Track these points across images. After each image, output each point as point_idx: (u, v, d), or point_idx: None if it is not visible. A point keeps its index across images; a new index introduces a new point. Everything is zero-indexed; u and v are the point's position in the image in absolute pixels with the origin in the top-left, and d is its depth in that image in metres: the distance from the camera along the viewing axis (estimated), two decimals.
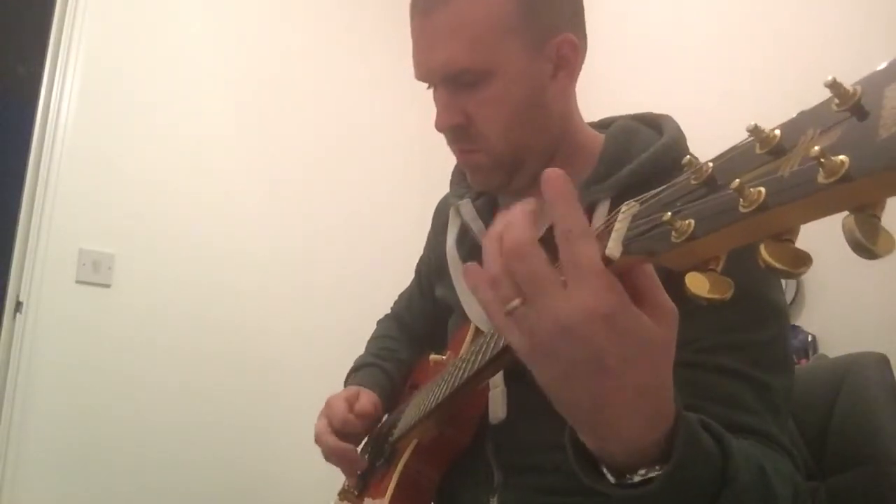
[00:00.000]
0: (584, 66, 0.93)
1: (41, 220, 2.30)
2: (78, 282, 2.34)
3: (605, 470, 0.54)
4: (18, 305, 2.26)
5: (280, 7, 2.93)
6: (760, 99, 1.96)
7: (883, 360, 1.05)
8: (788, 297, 1.92)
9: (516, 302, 0.49)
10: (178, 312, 2.49)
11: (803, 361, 1.79)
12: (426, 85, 0.92)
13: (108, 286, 2.38)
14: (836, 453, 1.02)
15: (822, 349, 1.84)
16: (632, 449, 0.51)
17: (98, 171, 2.42)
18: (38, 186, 2.33)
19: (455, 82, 0.87)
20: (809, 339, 1.85)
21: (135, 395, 2.37)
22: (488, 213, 1.00)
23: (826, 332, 1.85)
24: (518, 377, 0.85)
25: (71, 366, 2.29)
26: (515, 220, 0.51)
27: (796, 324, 1.91)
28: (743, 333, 0.75)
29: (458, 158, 0.95)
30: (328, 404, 1.07)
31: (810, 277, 1.93)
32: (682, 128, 0.90)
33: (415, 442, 0.95)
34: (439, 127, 0.90)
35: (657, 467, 0.51)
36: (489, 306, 0.53)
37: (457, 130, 0.89)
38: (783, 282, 1.89)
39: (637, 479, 0.52)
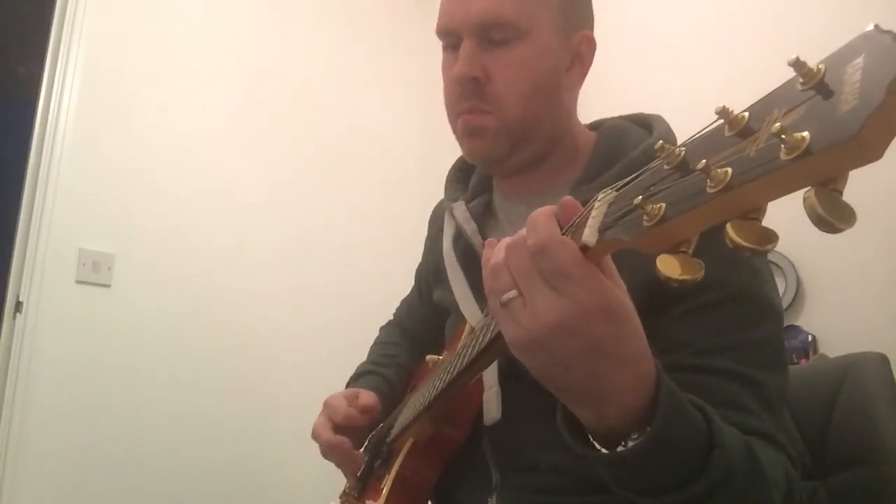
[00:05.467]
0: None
1: (41, 220, 2.30)
2: (78, 282, 2.34)
3: (595, 442, 0.57)
4: (18, 305, 2.26)
5: (280, 8, 2.93)
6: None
7: (883, 360, 1.04)
8: (789, 298, 1.92)
9: (512, 293, 0.52)
10: (177, 312, 2.49)
11: (803, 361, 1.79)
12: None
13: (108, 286, 2.39)
14: (836, 453, 1.01)
15: (822, 349, 1.84)
16: (626, 409, 0.54)
17: (98, 171, 2.42)
18: (38, 186, 2.33)
19: (485, 36, 0.86)
20: (809, 339, 1.85)
21: (135, 394, 2.37)
22: (482, 215, 0.99)
23: (826, 332, 1.85)
24: (512, 377, 0.85)
25: (71, 366, 2.29)
26: (532, 219, 0.53)
27: (796, 324, 1.91)
28: (737, 334, 0.75)
29: (462, 123, 0.90)
30: (327, 403, 1.06)
31: (810, 277, 1.93)
32: (681, 128, 0.90)
33: (411, 441, 0.95)
34: (459, 74, 0.87)
35: (647, 429, 0.54)
36: (489, 294, 0.55)
37: (474, 85, 0.87)
38: (784, 282, 1.91)
39: (631, 443, 0.54)
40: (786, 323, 1.77)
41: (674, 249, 0.42)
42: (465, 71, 0.86)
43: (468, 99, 0.88)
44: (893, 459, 0.95)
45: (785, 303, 1.87)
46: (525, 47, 0.86)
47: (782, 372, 0.77)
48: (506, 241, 0.54)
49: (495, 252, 0.54)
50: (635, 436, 0.54)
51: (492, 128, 0.88)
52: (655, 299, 0.72)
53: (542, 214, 0.52)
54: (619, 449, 0.55)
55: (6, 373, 2.22)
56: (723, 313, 0.75)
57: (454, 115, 0.91)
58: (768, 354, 0.76)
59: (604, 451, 0.56)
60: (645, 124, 0.92)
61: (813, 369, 1.25)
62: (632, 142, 0.88)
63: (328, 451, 1.04)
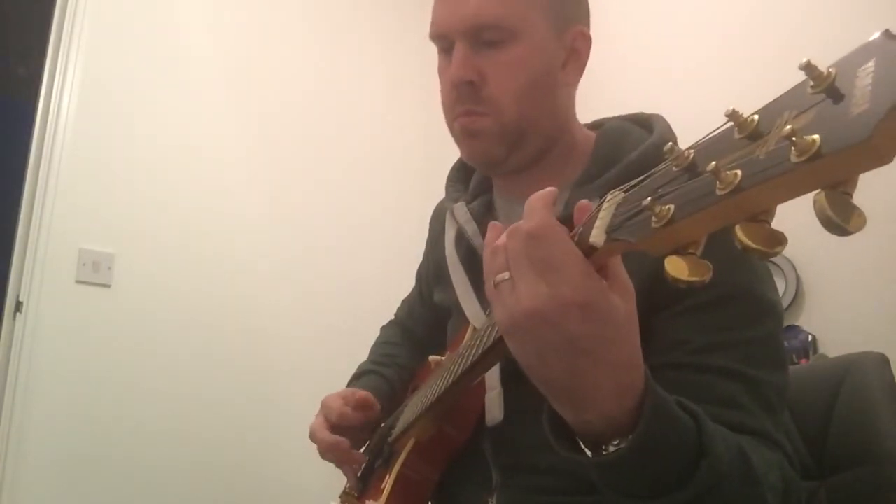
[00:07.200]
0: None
1: (41, 220, 2.31)
2: (78, 282, 2.34)
3: (581, 443, 0.56)
4: (18, 305, 2.27)
5: (282, 9, 2.93)
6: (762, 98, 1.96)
7: (883, 360, 1.04)
8: (789, 298, 1.92)
9: (504, 275, 0.53)
10: (177, 312, 2.49)
11: (803, 361, 1.79)
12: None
13: (108, 286, 2.39)
14: (836, 453, 1.01)
15: (822, 349, 1.84)
16: (607, 417, 0.53)
17: (98, 171, 2.42)
18: (38, 186, 2.33)
19: (477, 39, 0.86)
20: (809, 339, 1.85)
21: (134, 394, 2.37)
22: (483, 215, 0.99)
23: (826, 332, 1.85)
24: (515, 379, 0.84)
25: (70, 366, 2.29)
26: (530, 204, 0.53)
27: (796, 324, 1.91)
28: (735, 332, 0.75)
29: (459, 126, 0.90)
30: (324, 403, 1.07)
31: (810, 277, 1.93)
32: (680, 128, 0.90)
33: (412, 441, 0.95)
34: (454, 78, 0.87)
35: (630, 437, 0.53)
36: (486, 276, 0.56)
37: (469, 88, 0.87)
38: (784, 282, 1.91)
39: (612, 448, 0.54)
40: (786, 323, 1.77)
41: (682, 251, 0.42)
42: (460, 74, 0.86)
43: (464, 102, 0.88)
44: (893, 459, 0.95)
45: (785, 303, 1.87)
46: (517, 47, 0.86)
47: (781, 371, 0.77)
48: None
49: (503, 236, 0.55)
50: (616, 442, 0.54)
51: (489, 130, 0.88)
52: (653, 298, 0.72)
53: (539, 199, 0.53)
54: (603, 453, 0.55)
55: (6, 373, 2.22)
56: (721, 312, 0.75)
57: (451, 119, 0.91)
58: (767, 353, 0.76)
59: (588, 452, 0.56)
60: (645, 124, 0.92)
61: (813, 369, 1.25)
62: (632, 142, 0.88)
63: (326, 451, 1.04)
